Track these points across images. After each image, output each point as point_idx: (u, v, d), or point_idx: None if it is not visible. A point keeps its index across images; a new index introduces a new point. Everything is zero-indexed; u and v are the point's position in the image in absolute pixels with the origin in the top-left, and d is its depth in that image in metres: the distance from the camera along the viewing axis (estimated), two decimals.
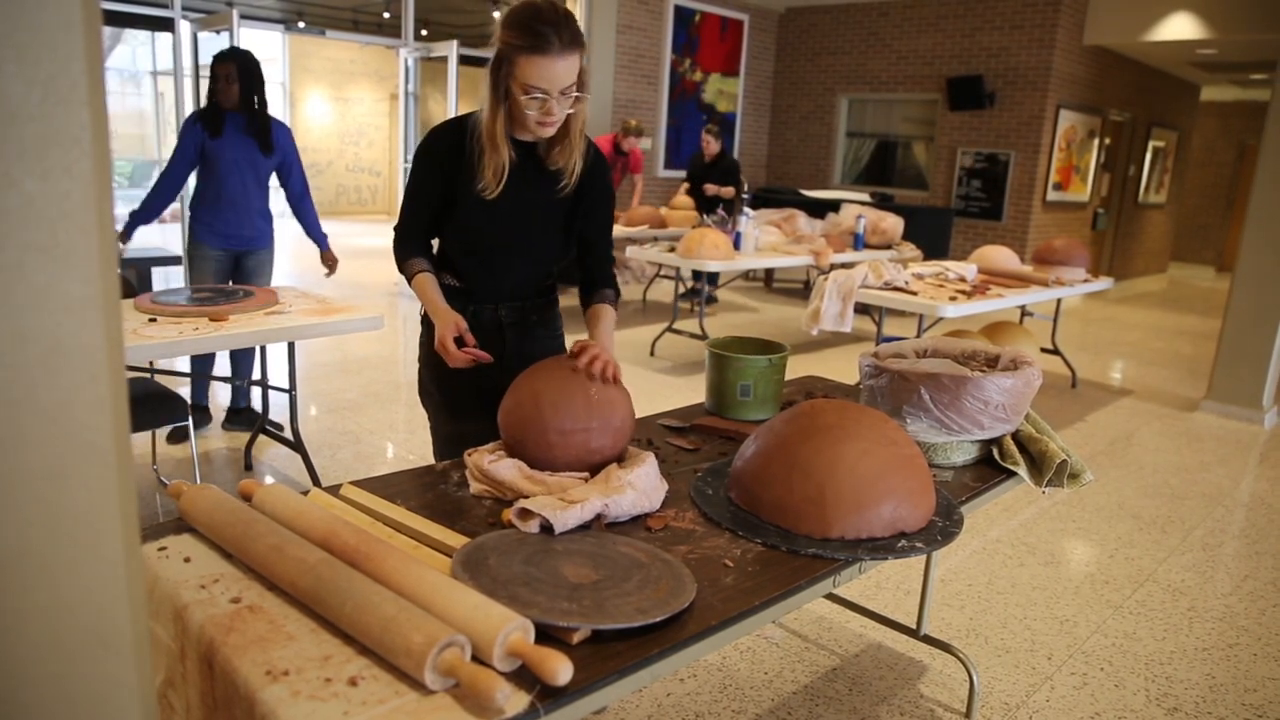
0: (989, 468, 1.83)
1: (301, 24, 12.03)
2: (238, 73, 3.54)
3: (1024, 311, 5.88)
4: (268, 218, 3.81)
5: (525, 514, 1.37)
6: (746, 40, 9.81)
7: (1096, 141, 9.23)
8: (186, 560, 1.24)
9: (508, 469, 1.51)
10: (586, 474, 1.55)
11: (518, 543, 1.30)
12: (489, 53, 1.71)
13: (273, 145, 3.65)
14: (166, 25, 6.13)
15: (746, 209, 6.24)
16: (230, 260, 3.76)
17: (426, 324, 1.94)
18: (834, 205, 7.41)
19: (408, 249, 1.88)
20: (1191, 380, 6.10)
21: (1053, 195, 8.68)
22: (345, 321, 2.96)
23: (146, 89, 13.14)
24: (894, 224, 6.94)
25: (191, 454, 3.37)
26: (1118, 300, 9.93)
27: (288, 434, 3.52)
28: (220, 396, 4.34)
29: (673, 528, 1.45)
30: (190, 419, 3.15)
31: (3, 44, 0.51)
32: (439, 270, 1.91)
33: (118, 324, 0.60)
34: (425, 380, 2.02)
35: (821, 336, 6.41)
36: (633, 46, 8.68)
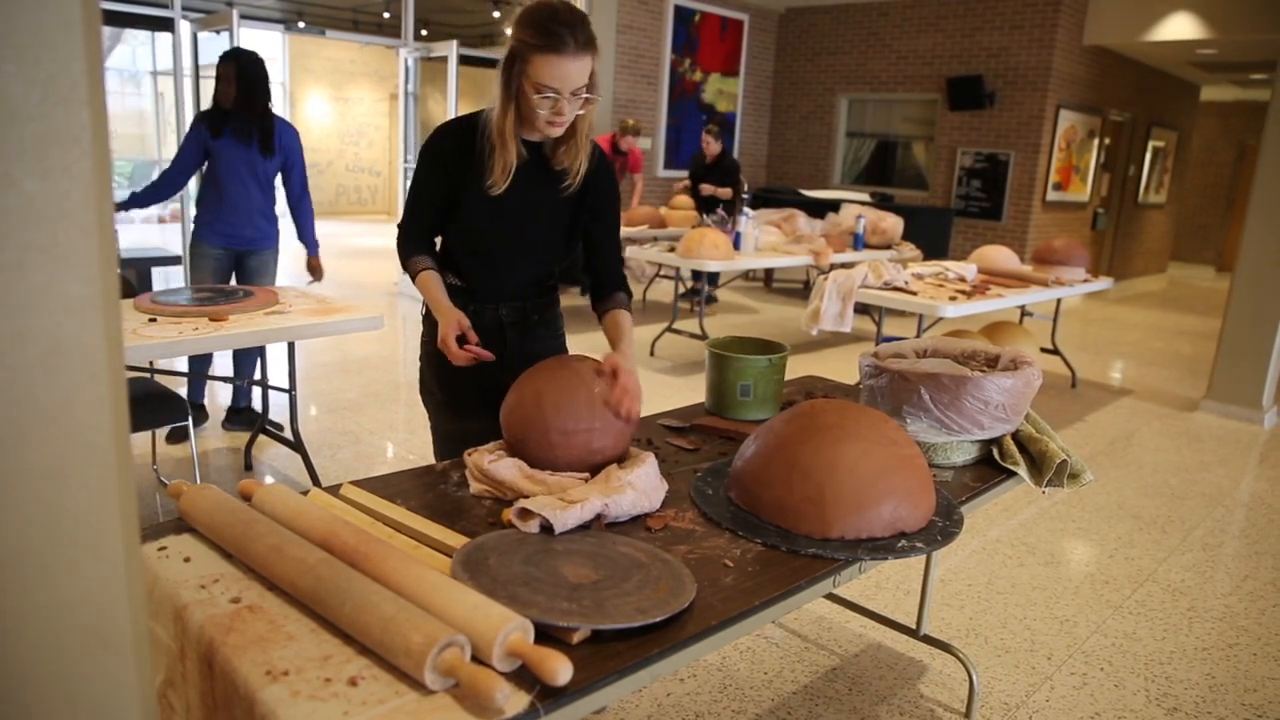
0: (989, 468, 1.83)
1: (301, 24, 12.03)
2: (237, 73, 3.54)
3: (1024, 311, 5.88)
4: (271, 219, 3.80)
5: (525, 514, 1.37)
6: (746, 40, 9.81)
7: (1096, 141, 9.23)
8: (186, 560, 1.24)
9: (508, 469, 1.51)
10: (587, 474, 1.55)
11: (518, 543, 1.30)
12: (489, 52, 1.72)
13: (274, 147, 3.64)
14: (166, 25, 6.13)
15: (746, 209, 6.24)
16: (231, 260, 3.75)
17: (429, 321, 1.94)
18: (834, 205, 7.41)
19: (412, 247, 1.89)
20: (1191, 380, 6.10)
21: (1052, 195, 8.68)
22: (345, 321, 2.97)
23: (146, 89, 13.13)
24: (894, 224, 6.94)
25: (191, 454, 3.37)
26: (1118, 300, 9.93)
27: (288, 434, 3.52)
28: (220, 396, 4.34)
29: (673, 528, 1.45)
30: (190, 419, 3.15)
31: (3, 44, 0.51)
32: (441, 269, 1.91)
33: (117, 324, 0.60)
34: (427, 378, 2.03)
35: (821, 336, 6.41)
36: (633, 46, 8.69)
